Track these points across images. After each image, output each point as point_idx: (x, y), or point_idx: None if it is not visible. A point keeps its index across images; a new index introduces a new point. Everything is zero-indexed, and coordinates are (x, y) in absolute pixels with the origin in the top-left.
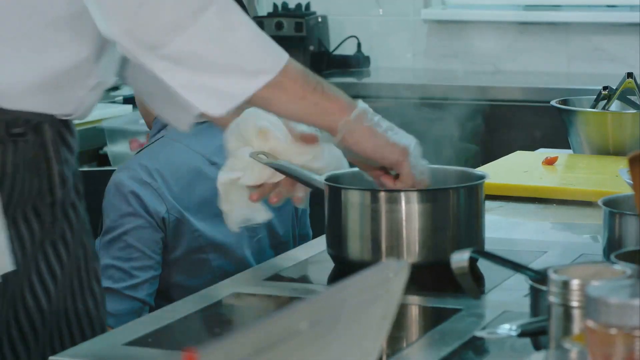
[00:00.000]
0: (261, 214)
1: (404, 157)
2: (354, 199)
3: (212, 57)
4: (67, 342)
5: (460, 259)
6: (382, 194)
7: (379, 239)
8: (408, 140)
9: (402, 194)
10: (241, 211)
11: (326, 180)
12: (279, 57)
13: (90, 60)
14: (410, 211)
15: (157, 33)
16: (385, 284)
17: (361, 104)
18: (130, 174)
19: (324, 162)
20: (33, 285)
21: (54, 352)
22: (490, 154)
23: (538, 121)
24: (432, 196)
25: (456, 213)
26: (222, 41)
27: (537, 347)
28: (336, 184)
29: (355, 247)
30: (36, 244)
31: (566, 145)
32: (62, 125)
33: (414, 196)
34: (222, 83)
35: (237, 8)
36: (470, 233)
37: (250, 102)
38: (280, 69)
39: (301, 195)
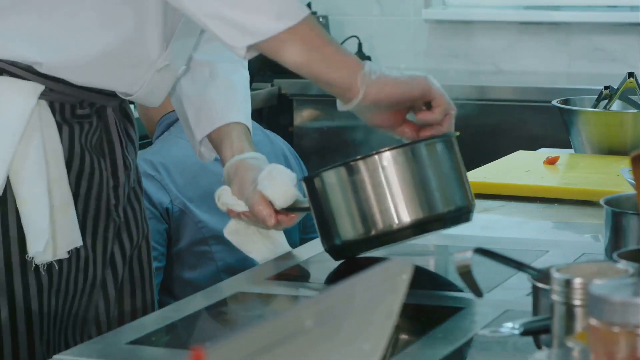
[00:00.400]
0: (283, 246)
1: (427, 85)
2: (330, 180)
3: None
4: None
5: (463, 257)
6: (358, 164)
7: (366, 209)
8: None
9: (376, 157)
10: (262, 248)
11: (304, 180)
12: (302, 9)
13: (156, 40)
14: (388, 174)
15: None
16: (390, 282)
17: (366, 62)
18: None
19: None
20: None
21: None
22: (490, 154)
23: (538, 121)
24: (406, 153)
25: (437, 165)
26: None
27: (539, 345)
28: (309, 174)
29: (347, 227)
30: (100, 225)
31: (567, 145)
32: (124, 114)
33: (389, 156)
34: (247, 19)
35: None
36: (455, 185)
37: (266, 47)
38: (302, 19)
39: None
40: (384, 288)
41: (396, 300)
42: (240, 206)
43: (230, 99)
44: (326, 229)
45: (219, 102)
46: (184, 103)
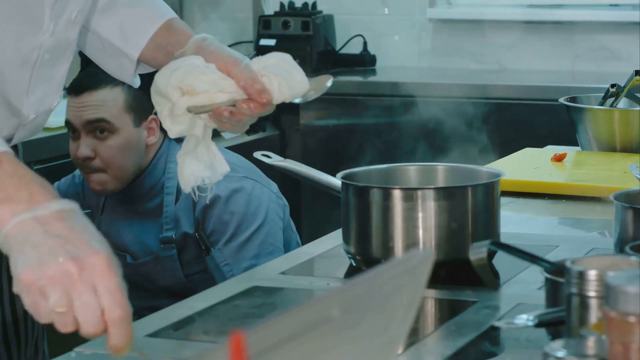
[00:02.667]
0: (221, 165)
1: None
2: (370, 197)
3: None
4: None
5: (479, 250)
6: (398, 192)
7: (395, 237)
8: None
9: (419, 192)
10: (196, 165)
11: (343, 178)
12: None
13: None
14: (426, 208)
15: None
16: (411, 273)
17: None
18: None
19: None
20: None
21: None
22: (497, 152)
23: (543, 119)
24: (449, 193)
25: (473, 210)
26: None
27: (553, 337)
28: (352, 181)
29: (371, 245)
30: None
31: (570, 143)
32: None
33: (431, 194)
34: None
35: None
36: (486, 230)
37: None
38: None
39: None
40: (406, 278)
41: (417, 291)
42: (223, 93)
43: (148, 2)
44: (352, 236)
45: (140, 9)
46: (102, 34)
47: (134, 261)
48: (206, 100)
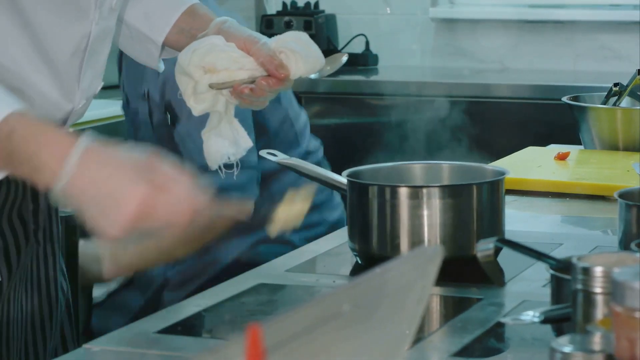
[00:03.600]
0: (245, 140)
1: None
2: (376, 195)
3: None
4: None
5: (486, 247)
6: (404, 190)
7: (401, 235)
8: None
9: (425, 190)
10: (221, 142)
11: (348, 176)
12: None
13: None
14: (432, 206)
15: None
16: (421, 269)
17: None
18: None
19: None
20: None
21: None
22: (499, 151)
23: (545, 119)
24: (455, 191)
25: (479, 208)
26: None
27: (558, 334)
28: (358, 179)
29: (377, 242)
30: (20, 252)
31: (572, 142)
32: None
33: (436, 191)
34: None
35: None
36: (491, 227)
37: None
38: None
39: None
40: (415, 274)
41: (426, 287)
42: (244, 70)
43: None
44: (358, 233)
45: None
46: (129, 21)
47: None
48: (227, 77)
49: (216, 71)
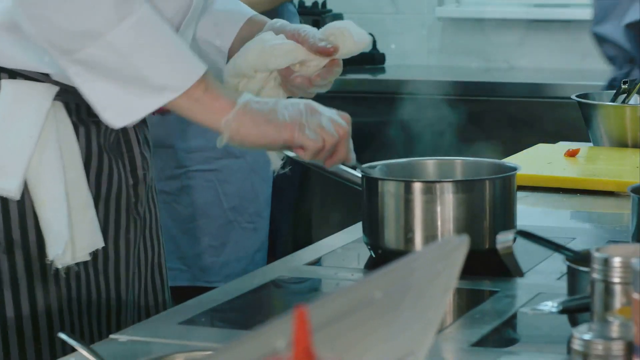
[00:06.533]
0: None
1: (293, 132)
2: (390, 190)
3: (119, 69)
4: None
5: (505, 239)
6: (418, 185)
7: (415, 229)
8: (295, 109)
9: (437, 185)
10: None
11: (363, 171)
12: (190, 73)
13: None
14: (445, 201)
15: (70, 40)
16: (447, 257)
17: (242, 99)
18: None
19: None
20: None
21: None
22: (508, 149)
23: (553, 117)
24: (467, 186)
25: (491, 203)
26: (132, 54)
27: (576, 324)
28: (372, 175)
29: (391, 237)
30: (122, 225)
31: (580, 139)
32: None
33: (450, 187)
34: (125, 96)
35: (157, 21)
36: (504, 222)
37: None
38: (188, 88)
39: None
40: (442, 263)
41: (452, 275)
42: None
43: (236, 3)
44: (373, 228)
45: (229, 7)
46: (199, 33)
47: None
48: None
49: (268, 69)
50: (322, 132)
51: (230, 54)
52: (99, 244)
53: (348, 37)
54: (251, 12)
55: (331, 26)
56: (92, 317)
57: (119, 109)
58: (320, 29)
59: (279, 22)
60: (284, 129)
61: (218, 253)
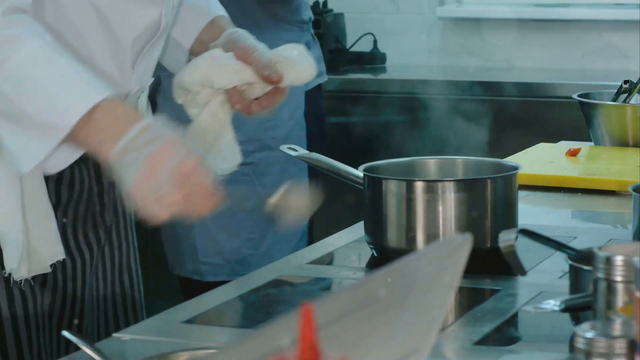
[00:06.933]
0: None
1: (137, 204)
2: (391, 189)
3: (9, 112)
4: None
5: (507, 238)
6: (419, 184)
7: (416, 228)
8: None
9: (439, 184)
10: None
11: (365, 170)
12: (76, 107)
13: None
14: (447, 200)
15: None
16: (451, 256)
17: (116, 149)
18: None
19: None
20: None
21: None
22: (508, 148)
23: (553, 116)
24: (469, 186)
25: (492, 202)
26: (17, 96)
27: (578, 323)
28: (374, 174)
29: (393, 236)
30: (88, 233)
31: (581, 139)
32: None
33: (451, 186)
34: (24, 139)
35: (43, 58)
36: (505, 221)
37: None
38: (73, 123)
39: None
40: (446, 261)
41: (456, 273)
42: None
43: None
44: (374, 227)
45: (198, 4)
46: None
47: None
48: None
49: (214, 87)
50: (164, 198)
51: (192, 53)
52: (60, 255)
53: (293, 67)
54: (218, 12)
55: (280, 51)
56: (62, 323)
57: (21, 154)
58: (272, 50)
59: (236, 32)
60: (132, 197)
61: (257, 245)
